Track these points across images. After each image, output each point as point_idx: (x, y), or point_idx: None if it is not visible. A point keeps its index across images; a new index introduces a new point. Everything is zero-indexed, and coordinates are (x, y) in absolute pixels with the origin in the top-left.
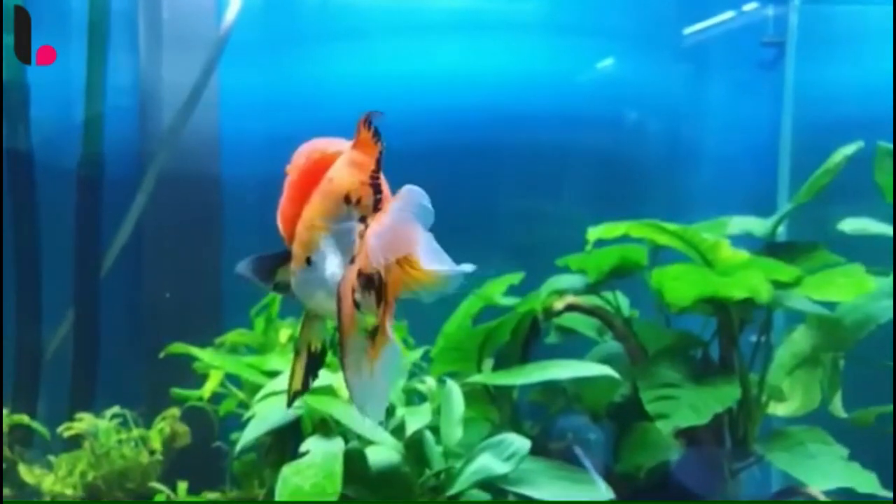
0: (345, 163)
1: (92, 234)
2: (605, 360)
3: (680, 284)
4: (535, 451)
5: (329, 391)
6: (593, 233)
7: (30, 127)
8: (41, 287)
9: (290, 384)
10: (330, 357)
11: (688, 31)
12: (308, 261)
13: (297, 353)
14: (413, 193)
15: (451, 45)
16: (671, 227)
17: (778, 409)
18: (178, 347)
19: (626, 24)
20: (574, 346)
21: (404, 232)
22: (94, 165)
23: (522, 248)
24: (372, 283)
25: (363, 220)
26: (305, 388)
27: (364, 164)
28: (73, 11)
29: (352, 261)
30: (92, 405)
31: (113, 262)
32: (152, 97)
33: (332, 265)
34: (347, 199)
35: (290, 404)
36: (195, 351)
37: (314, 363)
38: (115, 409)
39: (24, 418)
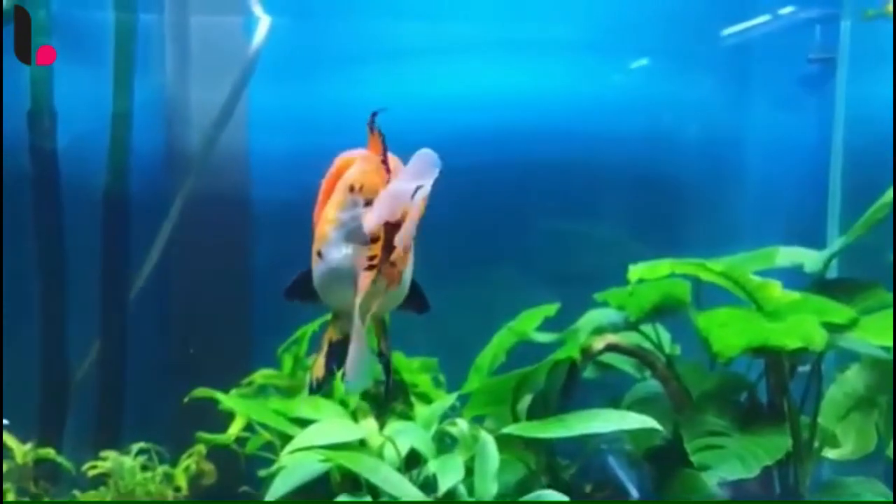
0: (358, 160)
1: (119, 257)
2: (646, 401)
3: (728, 332)
4: (572, 495)
5: (357, 447)
6: (635, 272)
7: (56, 151)
8: (67, 316)
9: (311, 373)
10: (357, 401)
11: (729, 47)
12: (319, 254)
13: (319, 349)
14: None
15: (482, 66)
16: (717, 266)
17: (830, 452)
18: (203, 392)
19: (664, 41)
20: (612, 380)
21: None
22: (121, 189)
23: (557, 272)
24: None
25: (369, 203)
26: (330, 372)
27: (371, 157)
28: (101, 34)
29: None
30: (118, 438)
31: (141, 288)
32: (180, 117)
33: (339, 253)
34: (352, 188)
35: (311, 391)
36: (220, 396)
37: (334, 351)
38: (141, 444)
39: (50, 452)
